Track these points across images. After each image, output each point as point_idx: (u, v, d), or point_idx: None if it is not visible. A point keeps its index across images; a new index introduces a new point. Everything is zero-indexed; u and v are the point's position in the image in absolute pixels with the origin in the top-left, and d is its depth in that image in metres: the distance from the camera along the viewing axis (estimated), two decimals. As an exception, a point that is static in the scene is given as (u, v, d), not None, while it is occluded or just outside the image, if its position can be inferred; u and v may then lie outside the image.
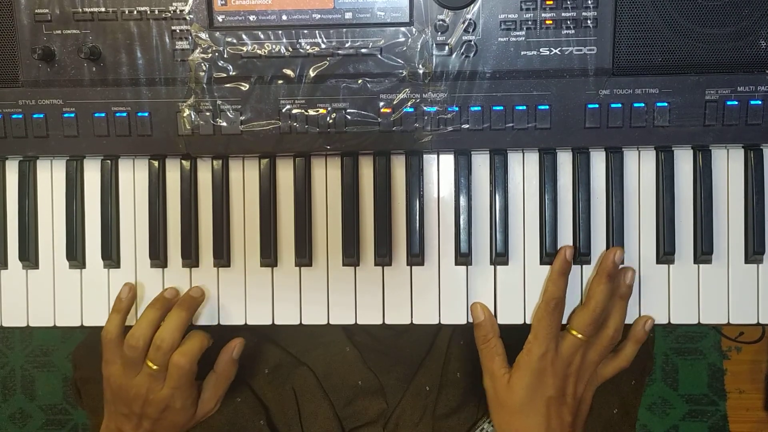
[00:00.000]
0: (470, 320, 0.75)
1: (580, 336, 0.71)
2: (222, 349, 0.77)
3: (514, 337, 0.74)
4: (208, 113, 0.73)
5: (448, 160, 0.75)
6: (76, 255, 0.76)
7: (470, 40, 0.72)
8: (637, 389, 0.89)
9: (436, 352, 0.86)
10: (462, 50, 0.72)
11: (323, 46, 0.72)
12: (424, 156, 0.75)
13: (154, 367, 0.72)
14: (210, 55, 0.72)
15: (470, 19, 0.71)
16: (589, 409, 0.75)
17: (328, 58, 0.72)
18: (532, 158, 0.75)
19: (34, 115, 0.74)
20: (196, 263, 0.76)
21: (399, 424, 0.86)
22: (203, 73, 0.73)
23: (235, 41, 0.72)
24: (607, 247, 0.74)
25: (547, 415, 0.71)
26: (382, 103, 0.73)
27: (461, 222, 0.74)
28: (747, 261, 0.74)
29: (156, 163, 0.76)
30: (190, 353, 0.72)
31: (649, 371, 0.91)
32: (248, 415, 0.83)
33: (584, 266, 0.75)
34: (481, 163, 0.75)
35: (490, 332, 0.73)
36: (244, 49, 0.72)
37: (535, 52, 0.72)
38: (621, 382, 0.87)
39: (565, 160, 0.75)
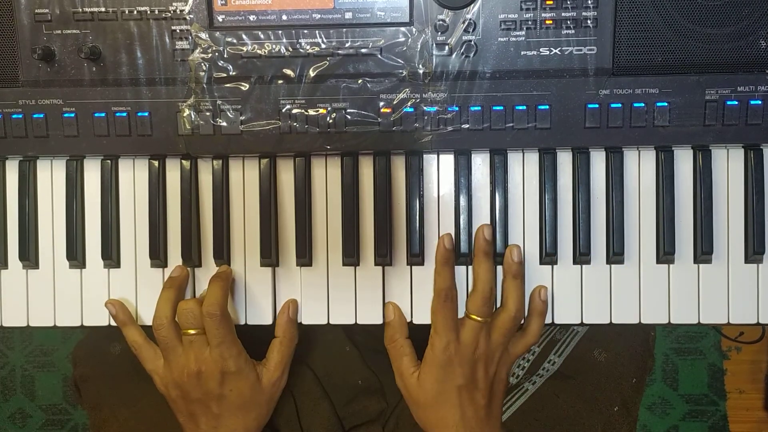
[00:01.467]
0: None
1: (478, 319, 0.71)
2: (278, 313, 0.76)
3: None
4: (208, 113, 0.73)
5: (448, 160, 0.75)
6: (76, 255, 0.76)
7: (470, 40, 0.72)
8: (638, 387, 0.89)
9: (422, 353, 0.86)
10: (462, 50, 0.72)
11: (323, 46, 0.72)
12: (424, 156, 0.75)
13: (192, 331, 0.71)
14: (210, 55, 0.72)
15: (470, 19, 0.71)
16: (506, 386, 0.75)
17: (328, 58, 0.72)
18: (532, 158, 0.75)
19: (34, 115, 0.74)
20: (196, 263, 0.76)
21: (399, 423, 0.86)
22: (203, 73, 0.73)
23: (235, 41, 0.72)
24: (607, 247, 0.74)
25: (460, 403, 0.72)
26: (382, 103, 0.73)
27: (461, 222, 0.74)
28: (747, 261, 0.74)
29: (156, 163, 0.76)
30: (217, 301, 0.71)
31: (649, 369, 0.91)
32: None
33: (584, 266, 0.75)
34: (481, 163, 0.75)
35: (397, 333, 0.74)
36: (244, 49, 0.72)
37: (535, 52, 0.72)
38: (621, 380, 0.87)
39: (565, 160, 0.75)
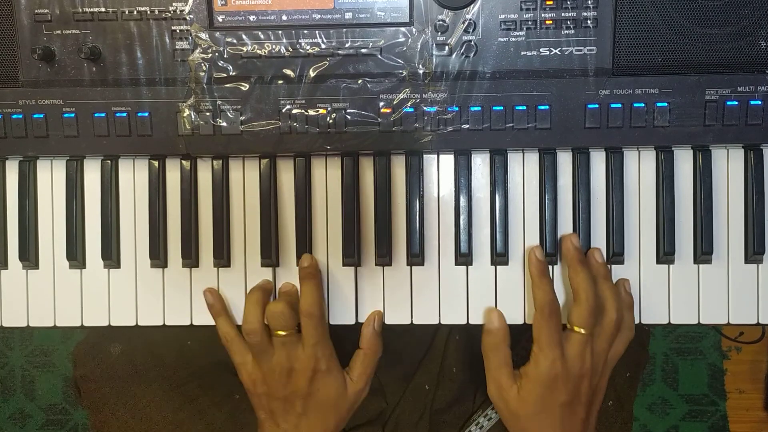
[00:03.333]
0: (470, 321, 0.75)
1: (584, 331, 0.69)
2: (363, 324, 0.75)
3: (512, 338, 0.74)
4: (208, 113, 0.73)
5: (448, 160, 0.75)
6: (76, 255, 0.76)
7: (470, 40, 0.72)
8: (632, 382, 0.89)
9: (434, 352, 0.86)
10: (462, 50, 0.72)
11: (323, 46, 0.72)
12: (424, 156, 0.75)
13: (283, 333, 0.71)
14: (210, 55, 0.72)
15: (470, 19, 0.71)
16: (604, 393, 0.73)
17: (328, 58, 0.72)
18: (532, 158, 0.75)
19: (34, 115, 0.74)
20: (196, 263, 0.76)
21: (398, 423, 0.86)
22: (203, 73, 0.73)
23: (235, 41, 0.72)
24: (607, 247, 0.74)
25: (561, 419, 0.70)
26: (382, 103, 0.73)
27: (461, 222, 0.74)
28: (747, 261, 0.74)
29: (156, 163, 0.76)
30: (312, 299, 0.71)
31: (644, 364, 0.91)
32: (247, 412, 0.83)
33: (584, 266, 0.75)
34: (481, 163, 0.75)
35: (501, 342, 0.71)
36: (244, 49, 0.72)
37: (535, 52, 0.72)
38: (616, 374, 0.87)
39: (565, 160, 0.75)
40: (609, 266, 0.75)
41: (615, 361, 0.73)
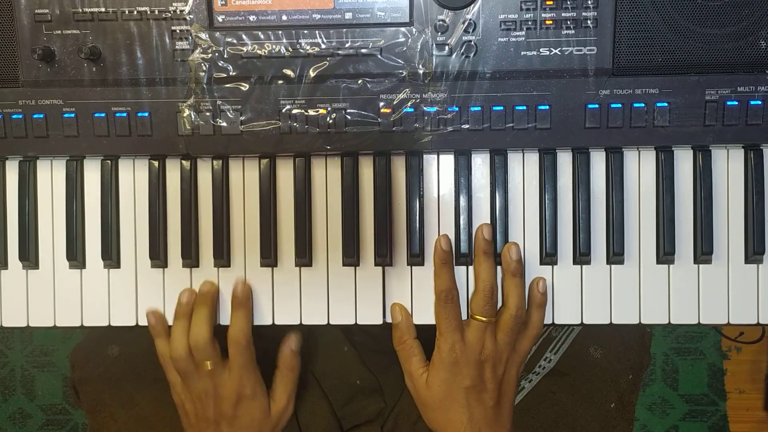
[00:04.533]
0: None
1: (483, 319, 0.71)
2: (280, 343, 0.78)
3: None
4: (208, 113, 0.73)
5: (448, 160, 0.75)
6: (76, 255, 0.76)
7: (470, 40, 0.72)
8: (635, 384, 0.89)
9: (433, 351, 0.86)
10: (462, 50, 0.72)
11: (323, 46, 0.72)
12: (424, 156, 0.75)
13: (208, 364, 0.73)
14: (210, 55, 0.72)
15: (470, 19, 0.71)
16: (516, 386, 0.75)
17: (328, 59, 0.72)
18: (532, 158, 0.75)
19: (34, 115, 0.74)
20: (196, 263, 0.76)
21: (397, 423, 0.86)
22: (203, 73, 0.73)
23: (235, 41, 0.72)
24: (608, 247, 0.74)
25: (468, 404, 0.72)
26: (382, 103, 0.73)
27: (461, 222, 0.74)
28: (747, 261, 0.74)
29: (156, 163, 0.76)
30: (239, 327, 0.73)
31: (646, 366, 0.91)
32: None
33: (584, 266, 0.75)
34: (481, 163, 0.75)
35: (405, 334, 0.74)
36: (244, 49, 0.72)
37: (535, 52, 0.72)
38: (618, 376, 0.87)
39: (565, 160, 0.75)
40: (609, 266, 0.74)
41: (523, 356, 0.75)
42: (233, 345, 0.73)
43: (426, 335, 0.75)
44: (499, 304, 0.74)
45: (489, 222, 0.74)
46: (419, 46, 0.72)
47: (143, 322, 0.76)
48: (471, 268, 0.75)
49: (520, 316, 0.73)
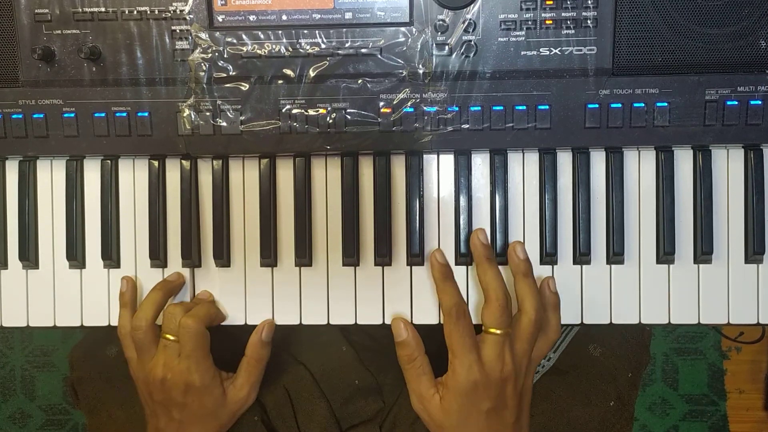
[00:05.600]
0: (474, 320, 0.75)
1: (499, 332, 0.67)
2: (253, 332, 0.75)
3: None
4: (208, 113, 0.73)
5: (448, 160, 0.75)
6: (76, 255, 0.76)
7: (470, 40, 0.72)
8: (634, 382, 0.89)
9: (431, 351, 0.86)
10: (462, 50, 0.72)
11: (323, 46, 0.72)
12: (424, 156, 0.75)
13: (171, 337, 0.71)
14: (210, 55, 0.72)
15: (470, 19, 0.71)
16: (531, 392, 0.71)
17: (328, 58, 0.72)
18: (532, 158, 0.75)
19: (34, 115, 0.74)
20: (196, 263, 0.76)
21: (396, 423, 0.86)
22: (203, 73, 0.73)
23: (235, 41, 0.72)
24: (608, 247, 0.74)
25: (489, 426, 0.67)
26: (382, 103, 0.73)
27: (461, 222, 0.74)
28: (747, 261, 0.74)
29: (156, 163, 0.76)
30: (197, 315, 0.71)
31: (645, 364, 0.91)
32: (244, 413, 0.83)
33: (584, 266, 0.75)
34: (481, 163, 0.75)
35: (415, 351, 0.69)
36: (244, 49, 0.72)
37: (535, 52, 0.72)
38: (617, 375, 0.87)
39: (565, 160, 0.75)
40: (609, 266, 0.75)
41: (539, 361, 0.71)
42: (182, 328, 0.70)
43: (425, 335, 0.75)
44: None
45: (489, 222, 0.74)
46: (419, 46, 0.72)
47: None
48: (471, 268, 0.75)
49: (540, 320, 0.68)
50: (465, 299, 0.74)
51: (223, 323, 0.76)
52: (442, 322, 0.75)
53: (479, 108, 0.72)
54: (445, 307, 0.69)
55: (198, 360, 0.71)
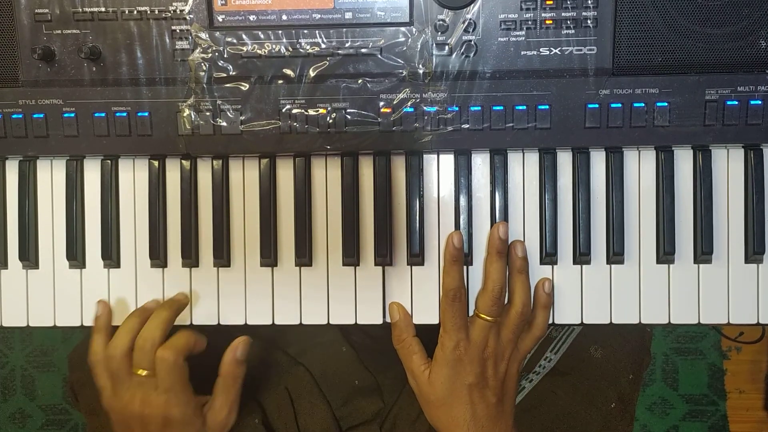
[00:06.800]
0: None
1: (488, 318, 0.71)
2: (226, 350, 0.74)
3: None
4: (208, 113, 0.73)
5: (448, 160, 0.75)
6: (76, 255, 0.76)
7: (470, 40, 0.72)
8: (635, 383, 0.89)
9: (431, 351, 0.86)
10: (462, 50, 0.72)
11: (323, 46, 0.72)
12: (424, 156, 0.75)
13: (143, 372, 0.69)
14: (210, 55, 0.72)
15: (470, 19, 0.71)
16: (517, 383, 0.75)
17: (328, 58, 0.72)
18: (532, 158, 0.75)
19: (34, 115, 0.74)
20: (196, 263, 0.76)
21: (396, 423, 0.86)
22: (203, 73, 0.73)
23: (235, 41, 0.72)
24: (608, 247, 0.74)
25: (471, 401, 0.71)
26: (382, 103, 0.73)
27: (461, 222, 0.74)
28: (747, 261, 0.74)
29: (156, 163, 0.76)
30: (174, 347, 0.69)
31: (646, 365, 0.91)
32: (243, 414, 0.83)
33: (584, 266, 0.75)
34: (481, 163, 0.75)
35: (404, 332, 0.74)
36: (244, 49, 0.72)
37: (535, 52, 0.72)
38: (618, 376, 0.87)
39: (565, 160, 0.75)
40: (609, 266, 0.75)
41: (523, 356, 0.75)
42: (159, 360, 0.68)
43: (427, 336, 0.75)
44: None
45: (489, 222, 0.74)
46: (419, 46, 0.72)
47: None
48: (471, 267, 0.75)
49: (526, 314, 0.73)
50: (467, 298, 0.75)
51: (222, 323, 0.76)
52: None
53: (479, 108, 0.72)
54: (445, 287, 0.72)
55: (177, 393, 0.69)
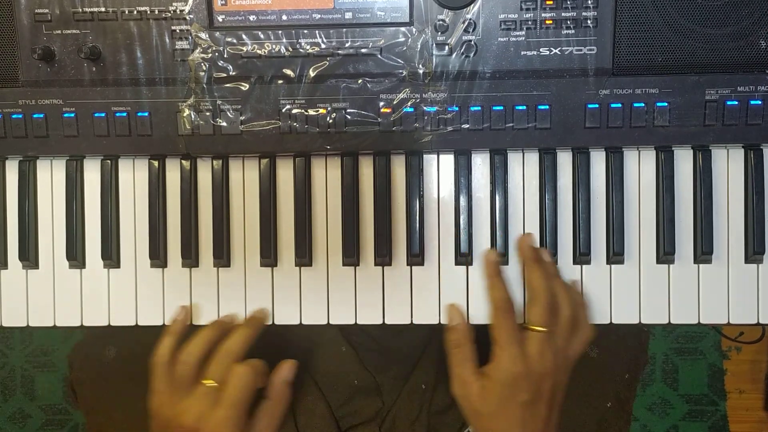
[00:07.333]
0: (470, 321, 0.75)
1: (543, 329, 0.69)
2: (272, 373, 0.72)
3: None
4: (208, 113, 0.73)
5: (448, 160, 0.75)
6: (76, 255, 0.76)
7: (470, 40, 0.72)
8: (631, 383, 0.89)
9: (431, 351, 0.86)
10: (462, 50, 0.72)
11: (323, 46, 0.72)
12: (424, 156, 0.75)
13: (210, 384, 0.68)
14: (210, 55, 0.72)
15: (470, 19, 0.71)
16: (565, 390, 0.73)
17: (328, 58, 0.72)
18: (532, 158, 0.75)
19: (34, 115, 0.74)
20: (196, 263, 0.76)
21: (395, 422, 0.86)
22: (203, 73, 0.73)
23: (235, 41, 0.72)
24: (608, 247, 0.74)
25: (523, 417, 0.69)
26: (382, 103, 0.73)
27: (461, 222, 0.74)
28: (747, 261, 0.74)
29: (156, 163, 0.76)
30: (252, 366, 0.69)
31: (643, 365, 0.91)
32: None
33: (584, 266, 0.75)
34: (481, 163, 0.75)
35: (463, 337, 0.72)
36: (244, 49, 0.72)
37: (535, 52, 0.72)
38: (615, 375, 0.87)
39: (565, 160, 0.75)
40: (609, 266, 0.75)
41: (574, 360, 0.73)
42: (236, 376, 0.68)
43: (419, 333, 0.74)
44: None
45: (489, 222, 0.75)
46: (419, 46, 0.72)
47: (143, 322, 0.76)
48: (471, 267, 0.75)
49: (575, 317, 0.71)
50: (466, 299, 0.75)
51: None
52: (442, 321, 0.75)
53: (479, 108, 0.72)
54: (495, 301, 0.71)
55: (238, 413, 0.67)
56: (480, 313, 0.75)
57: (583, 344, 0.73)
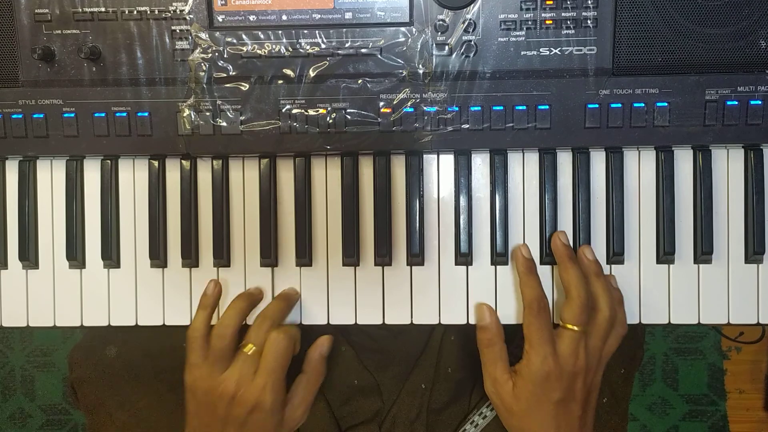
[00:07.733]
0: (470, 321, 0.75)
1: (576, 328, 0.69)
2: (309, 348, 0.73)
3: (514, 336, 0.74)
4: (208, 113, 0.73)
5: (448, 160, 0.75)
6: (76, 255, 0.76)
7: (470, 40, 0.72)
8: (627, 378, 0.89)
9: (431, 351, 0.86)
10: (462, 50, 0.72)
11: (323, 46, 0.72)
12: (424, 156, 0.75)
13: (250, 349, 0.69)
14: (210, 55, 0.72)
15: (470, 19, 0.71)
16: (598, 389, 0.73)
17: (328, 58, 0.72)
18: (532, 158, 0.75)
19: (34, 115, 0.74)
20: (196, 263, 0.76)
21: (395, 422, 0.86)
22: (203, 73, 0.73)
23: (235, 41, 0.72)
24: (608, 247, 0.74)
25: (556, 417, 0.69)
26: (382, 103, 0.73)
27: (461, 222, 0.74)
28: (747, 261, 0.74)
29: (156, 163, 0.76)
30: (289, 332, 0.70)
31: (639, 360, 0.91)
32: None
33: (584, 266, 0.75)
34: (481, 163, 0.75)
35: (495, 336, 0.71)
36: (244, 49, 0.72)
37: (535, 52, 0.72)
38: (610, 371, 0.87)
39: (565, 160, 0.75)
40: (609, 266, 0.75)
41: (608, 357, 0.73)
42: (273, 341, 0.69)
43: (419, 333, 0.74)
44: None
45: (489, 222, 0.74)
46: (419, 46, 0.72)
47: (143, 322, 0.76)
48: (471, 268, 0.75)
49: (614, 317, 0.71)
50: (466, 299, 0.75)
51: None
52: (442, 321, 0.75)
53: (479, 108, 0.72)
54: (528, 300, 0.71)
55: (277, 380, 0.69)
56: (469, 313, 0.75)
57: (617, 341, 0.72)
